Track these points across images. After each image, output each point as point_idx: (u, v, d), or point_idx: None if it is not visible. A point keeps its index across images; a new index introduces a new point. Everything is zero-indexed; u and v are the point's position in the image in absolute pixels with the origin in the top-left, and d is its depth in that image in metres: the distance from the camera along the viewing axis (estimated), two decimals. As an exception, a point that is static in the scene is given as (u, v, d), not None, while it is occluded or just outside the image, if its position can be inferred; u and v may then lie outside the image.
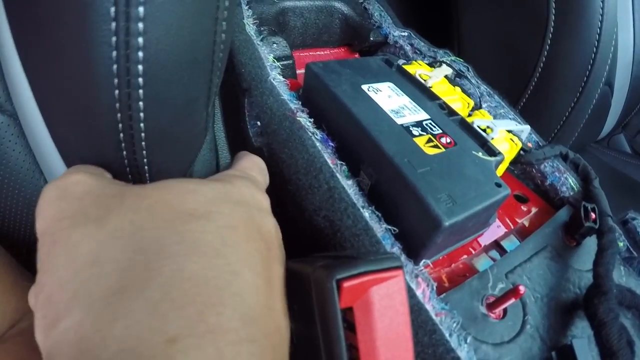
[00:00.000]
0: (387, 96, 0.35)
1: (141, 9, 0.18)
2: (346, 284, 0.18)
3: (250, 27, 0.41)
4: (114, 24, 0.18)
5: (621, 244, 0.35)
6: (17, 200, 0.28)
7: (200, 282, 0.17)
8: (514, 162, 0.39)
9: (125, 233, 0.18)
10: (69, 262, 0.18)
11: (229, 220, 0.21)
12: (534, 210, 0.37)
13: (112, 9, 0.18)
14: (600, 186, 0.37)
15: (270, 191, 0.28)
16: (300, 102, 0.35)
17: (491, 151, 0.32)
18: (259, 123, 0.38)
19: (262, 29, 0.44)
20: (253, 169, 0.29)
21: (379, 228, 0.27)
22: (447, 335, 0.24)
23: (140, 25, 0.19)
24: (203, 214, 0.20)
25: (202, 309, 0.17)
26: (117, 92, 0.20)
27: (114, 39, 0.19)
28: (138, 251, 0.18)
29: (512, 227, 0.35)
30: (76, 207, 0.20)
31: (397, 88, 0.36)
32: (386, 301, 0.19)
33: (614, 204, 0.35)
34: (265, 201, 0.26)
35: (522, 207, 0.37)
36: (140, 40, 0.19)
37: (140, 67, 0.20)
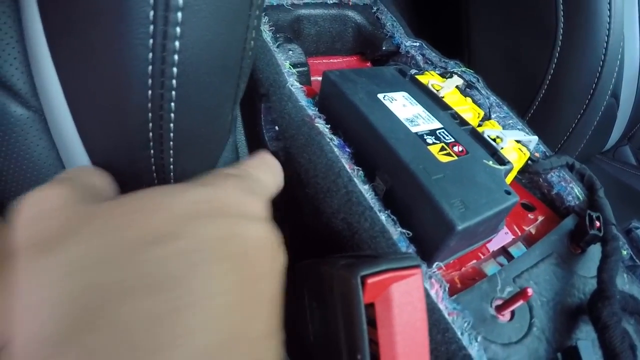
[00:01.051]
0: (402, 105, 0.36)
1: (179, 14, 0.19)
2: (370, 280, 0.19)
3: (267, 34, 0.43)
4: (151, 27, 0.19)
5: (625, 252, 0.36)
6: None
7: (155, 322, 0.16)
8: (521, 172, 0.40)
9: (83, 265, 0.17)
10: (21, 298, 0.17)
11: (194, 241, 0.18)
12: (540, 218, 0.38)
13: (151, 13, 0.19)
14: (605, 196, 0.37)
15: (286, 194, 0.29)
16: (317, 109, 0.36)
17: (501, 160, 0.33)
18: (276, 127, 0.39)
19: (277, 35, 0.45)
20: (259, 167, 0.26)
21: (395, 231, 0.28)
22: (459, 333, 0.25)
23: (178, 29, 0.19)
24: (166, 235, 0.18)
25: (152, 354, 0.15)
26: (150, 92, 0.21)
27: (150, 41, 0.19)
28: (92, 289, 0.17)
29: (519, 235, 0.36)
30: (35, 232, 0.18)
31: (411, 97, 0.37)
32: (405, 297, 0.20)
33: (618, 214, 0.36)
34: (255, 206, 0.22)
35: (529, 215, 0.38)
36: (177, 44, 0.20)
37: (175, 69, 0.21)
